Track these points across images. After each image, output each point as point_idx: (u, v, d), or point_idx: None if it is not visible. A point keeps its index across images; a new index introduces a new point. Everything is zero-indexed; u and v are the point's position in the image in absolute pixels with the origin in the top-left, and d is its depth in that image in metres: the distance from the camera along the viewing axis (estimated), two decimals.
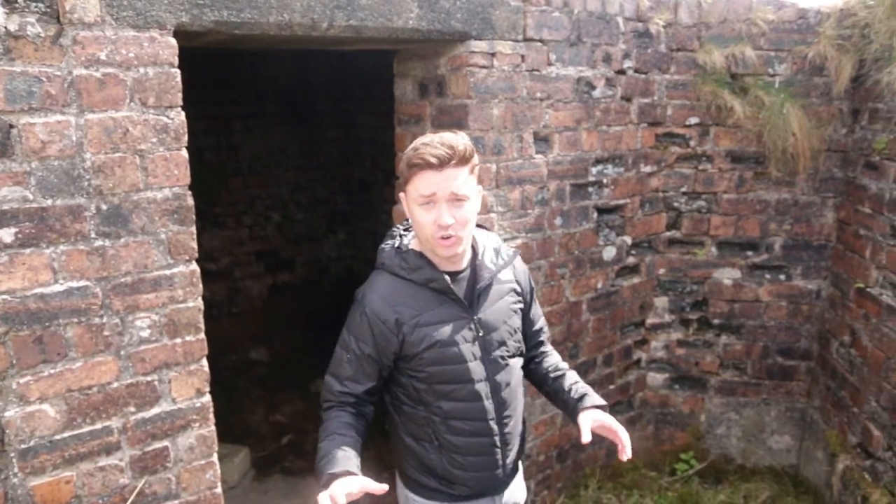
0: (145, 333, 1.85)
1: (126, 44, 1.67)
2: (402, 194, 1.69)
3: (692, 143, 3.24)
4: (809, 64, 3.00)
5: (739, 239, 3.28)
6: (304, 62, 5.05)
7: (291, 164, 5.23)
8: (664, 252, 3.39)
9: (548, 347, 2.03)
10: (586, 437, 1.70)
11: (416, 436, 1.80)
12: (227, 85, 4.77)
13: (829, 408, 3.11)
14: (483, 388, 1.74)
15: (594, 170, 3.00)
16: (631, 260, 3.29)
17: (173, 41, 1.75)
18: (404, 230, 1.83)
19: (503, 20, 2.44)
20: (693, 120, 3.21)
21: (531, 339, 1.95)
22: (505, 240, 2.65)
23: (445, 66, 2.49)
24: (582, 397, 1.82)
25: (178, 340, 1.91)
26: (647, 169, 3.24)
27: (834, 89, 2.98)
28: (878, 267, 2.74)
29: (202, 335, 1.96)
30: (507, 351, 1.78)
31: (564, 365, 1.98)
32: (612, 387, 3.38)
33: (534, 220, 2.80)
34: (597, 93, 2.89)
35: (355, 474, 1.55)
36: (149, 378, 1.87)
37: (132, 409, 1.85)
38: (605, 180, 3.06)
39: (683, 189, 3.29)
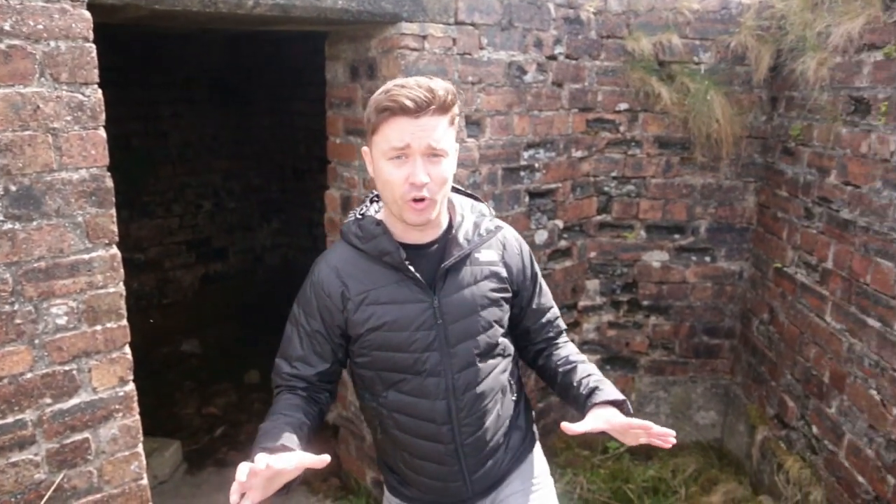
0: (62, 321, 1.76)
1: (34, 14, 1.58)
2: (364, 149, 1.47)
3: (622, 128, 3.32)
4: (732, 53, 3.11)
5: (667, 222, 3.39)
6: (236, 47, 4.91)
7: (223, 151, 5.09)
8: (595, 236, 3.47)
9: (560, 341, 1.70)
10: (575, 428, 1.38)
11: (371, 426, 1.65)
12: (154, 69, 4.59)
13: (750, 383, 3.27)
14: (436, 384, 1.48)
15: (526, 154, 3.04)
16: (563, 243, 3.35)
17: (87, 14, 1.67)
18: (373, 198, 1.61)
19: (434, 3, 2.44)
20: (623, 106, 3.29)
21: (537, 335, 1.67)
22: None
23: (376, 48, 2.47)
24: (592, 392, 1.50)
25: (99, 327, 1.83)
26: (579, 154, 3.31)
27: (754, 78, 3.11)
28: (794, 247, 2.88)
29: (124, 322, 1.88)
30: (477, 347, 1.49)
31: (578, 356, 1.65)
32: None
33: None
34: (528, 77, 2.92)
35: (291, 449, 1.29)
36: (66, 367, 1.79)
37: (48, 400, 1.77)
38: (536, 164, 3.10)
39: (613, 174, 3.37)
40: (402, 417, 1.52)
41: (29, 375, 1.73)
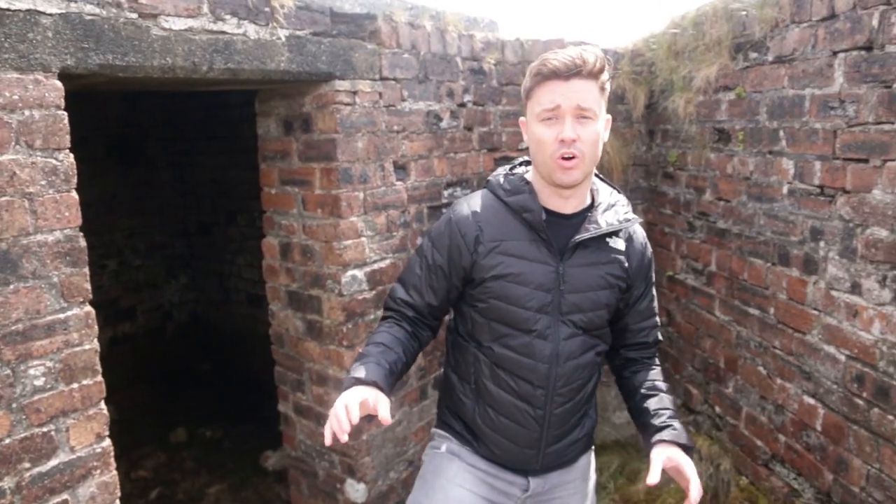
0: (40, 382, 1.79)
1: (9, 86, 1.66)
2: (522, 119, 1.60)
3: None
4: (613, 94, 3.59)
5: None
6: (133, 103, 4.89)
7: (125, 208, 4.99)
8: None
9: (650, 358, 1.74)
10: (653, 478, 1.40)
11: (459, 373, 1.68)
12: None
13: None
14: (543, 346, 1.54)
15: (446, 192, 3.32)
16: None
17: (59, 83, 1.76)
18: (522, 162, 1.71)
19: (362, 62, 2.68)
20: (524, 145, 3.67)
21: (629, 338, 1.71)
22: (374, 261, 2.87)
23: (311, 103, 2.67)
24: (664, 428, 1.54)
25: (75, 385, 1.87)
26: None
27: (634, 114, 3.60)
28: (682, 256, 3.35)
29: (99, 377, 1.93)
30: (585, 322, 1.56)
31: (663, 384, 1.69)
32: None
33: (398, 242, 3.03)
34: (444, 124, 3.22)
35: (381, 388, 1.41)
36: (45, 429, 1.81)
37: (27, 464, 1.78)
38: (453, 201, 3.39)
39: None
40: (501, 372, 1.58)
41: (7, 441, 1.74)
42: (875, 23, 2.06)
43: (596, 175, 1.66)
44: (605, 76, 1.48)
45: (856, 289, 2.16)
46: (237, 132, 4.59)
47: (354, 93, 2.68)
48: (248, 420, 4.30)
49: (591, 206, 1.59)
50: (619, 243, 1.61)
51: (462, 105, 3.34)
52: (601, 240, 1.58)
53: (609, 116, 1.55)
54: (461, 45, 3.26)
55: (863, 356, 2.14)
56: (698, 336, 3.22)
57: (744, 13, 2.68)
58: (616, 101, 3.62)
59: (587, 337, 1.60)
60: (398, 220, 3.01)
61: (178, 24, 1.99)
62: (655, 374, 1.71)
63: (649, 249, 1.71)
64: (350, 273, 2.74)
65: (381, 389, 1.43)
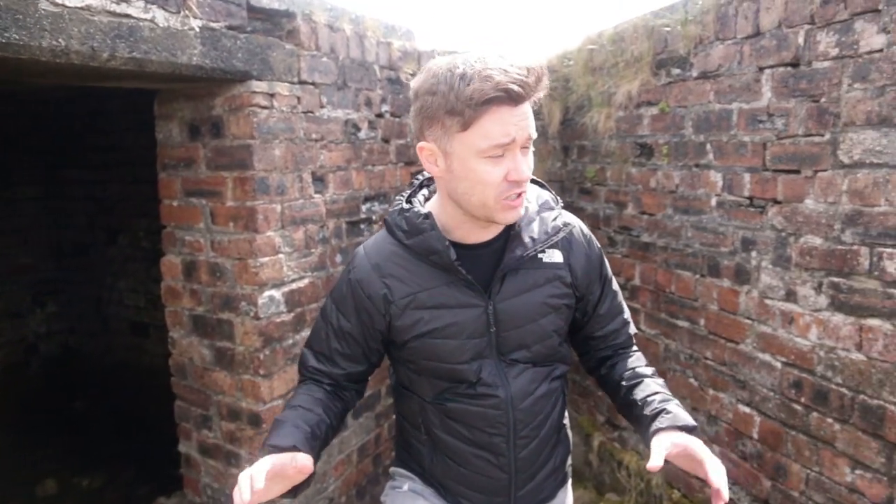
0: None
1: None
2: (426, 145, 1.22)
3: None
4: None
5: None
6: None
7: None
8: None
9: (625, 349, 1.51)
10: (654, 461, 1.15)
11: (409, 420, 1.47)
12: None
13: (578, 398, 3.66)
14: (492, 391, 1.33)
15: (364, 207, 3.13)
16: None
17: None
18: (422, 183, 1.43)
19: (280, 62, 2.45)
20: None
21: (602, 342, 1.49)
22: (293, 280, 2.62)
23: (222, 106, 2.40)
24: (657, 415, 1.28)
25: None
26: None
27: (549, 131, 3.59)
28: None
29: None
30: (531, 357, 1.35)
31: (646, 369, 1.45)
32: (394, 416, 3.48)
33: (317, 259, 2.80)
34: (362, 134, 3.04)
35: (300, 451, 1.19)
36: None
37: None
38: (373, 217, 3.20)
39: None
40: (452, 422, 1.38)
41: None
42: (801, 40, 2.13)
43: None
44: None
45: (791, 296, 2.21)
46: (120, 143, 4.14)
47: (272, 95, 2.44)
48: (135, 464, 3.82)
49: (512, 224, 1.30)
50: (555, 255, 1.35)
51: (380, 115, 3.17)
52: (532, 258, 1.31)
53: None
54: (379, 53, 3.10)
55: (800, 362, 2.18)
56: None
57: (666, 30, 2.73)
58: None
59: (539, 368, 1.38)
60: (317, 236, 2.78)
61: (74, 0, 1.68)
62: (635, 361, 1.47)
63: (595, 245, 1.44)
64: (267, 293, 2.47)
65: (301, 451, 1.21)
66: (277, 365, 2.53)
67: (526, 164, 1.20)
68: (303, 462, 1.16)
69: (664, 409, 1.29)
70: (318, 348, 1.43)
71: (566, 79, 3.48)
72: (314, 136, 2.70)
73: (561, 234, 1.33)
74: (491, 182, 1.18)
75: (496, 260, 1.31)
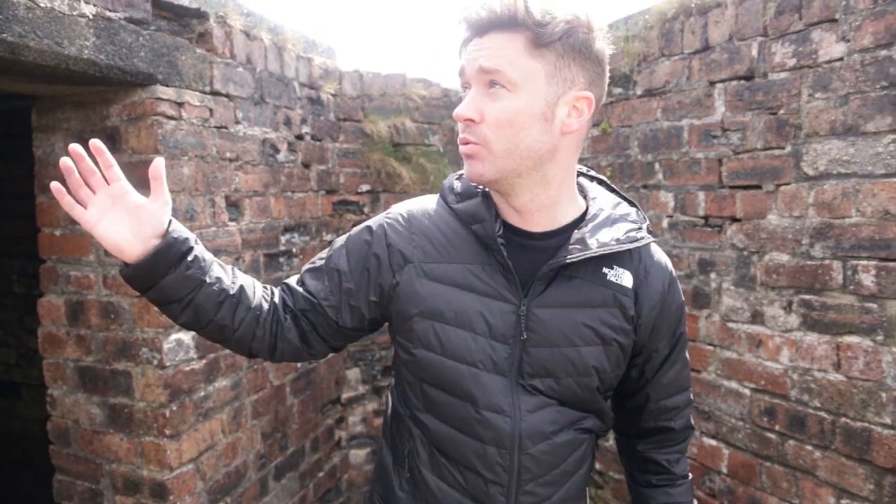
0: None
1: None
2: None
3: (366, 209, 3.31)
4: (457, 135, 3.38)
5: None
6: None
7: None
8: None
9: (677, 457, 1.24)
10: None
11: (395, 453, 1.19)
12: None
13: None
14: (496, 422, 1.04)
15: (283, 238, 2.80)
16: None
17: None
18: None
19: (190, 67, 2.13)
20: (364, 187, 3.29)
21: (647, 420, 1.22)
22: None
23: (120, 115, 2.03)
24: None
25: None
26: (329, 237, 3.17)
27: None
28: None
29: None
30: (557, 392, 1.07)
31: (685, 478, 1.25)
32: (321, 474, 3.09)
33: None
34: (281, 157, 2.73)
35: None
36: None
37: None
38: (294, 249, 2.87)
39: None
40: (441, 457, 1.10)
41: None
42: (754, 52, 2.07)
43: (588, 176, 1.19)
44: (549, 25, 0.95)
45: (757, 318, 2.09)
46: None
47: (181, 105, 2.10)
48: None
49: (581, 220, 1.09)
50: (623, 277, 1.08)
51: (300, 137, 2.87)
52: (594, 270, 1.07)
53: (586, 94, 1.00)
54: (299, 68, 2.83)
55: (771, 387, 2.05)
56: None
57: None
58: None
59: (563, 408, 1.09)
60: None
61: None
62: (681, 495, 1.23)
63: (677, 292, 1.16)
64: (174, 337, 2.08)
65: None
66: (187, 423, 2.12)
67: (469, 103, 0.99)
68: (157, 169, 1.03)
69: None
70: (305, 276, 1.19)
71: None
72: (228, 154, 2.36)
73: (636, 245, 1.07)
74: (457, 120, 1.04)
75: (548, 259, 1.05)
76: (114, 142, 2.05)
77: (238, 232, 2.46)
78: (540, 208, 1.07)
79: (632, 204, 1.16)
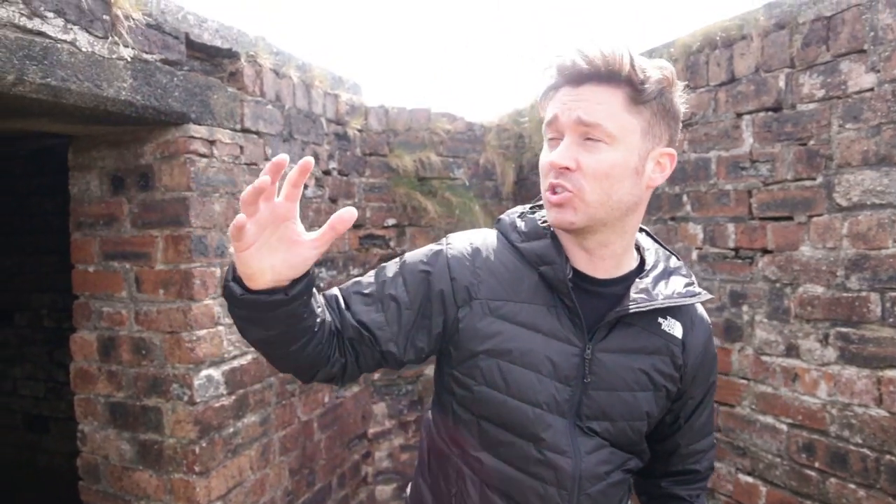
0: None
1: None
2: None
3: (392, 243, 3.32)
4: (482, 169, 3.41)
5: None
6: None
7: None
8: None
9: (699, 494, 1.28)
10: None
11: (435, 492, 1.17)
12: None
13: None
14: (559, 463, 1.06)
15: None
16: None
17: None
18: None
19: (222, 106, 2.17)
20: (391, 221, 3.31)
21: (676, 463, 1.26)
22: (234, 356, 2.25)
23: (153, 153, 2.08)
24: None
25: None
26: (356, 272, 3.18)
27: (503, 191, 3.43)
28: None
29: None
30: (613, 435, 1.10)
31: None
32: None
33: None
34: (309, 192, 2.76)
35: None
36: None
37: None
38: (321, 284, 2.89)
39: None
40: (495, 496, 1.08)
41: None
42: (782, 84, 2.07)
43: (644, 231, 1.22)
44: (648, 84, 0.99)
45: (792, 351, 2.05)
46: (22, 208, 3.66)
47: (212, 142, 2.14)
48: None
49: (640, 271, 1.13)
50: (675, 328, 1.13)
51: (327, 173, 2.91)
52: (651, 319, 1.11)
53: (669, 151, 1.07)
54: (327, 105, 2.88)
55: (809, 422, 2.00)
56: None
57: None
58: (484, 177, 3.44)
59: (617, 450, 1.12)
60: None
61: None
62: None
63: (713, 343, 1.24)
64: (204, 373, 2.09)
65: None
66: (216, 459, 2.12)
67: (565, 151, 1.00)
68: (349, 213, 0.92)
69: None
70: (351, 300, 1.09)
71: (520, 137, 3.36)
72: None
73: (692, 301, 1.12)
74: (542, 168, 1.05)
75: (610, 305, 1.08)
76: (147, 180, 2.10)
77: None
78: (612, 256, 1.10)
79: (677, 257, 1.21)
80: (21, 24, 1.47)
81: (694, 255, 2.40)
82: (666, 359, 1.12)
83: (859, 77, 1.84)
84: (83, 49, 1.62)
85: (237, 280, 0.93)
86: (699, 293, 1.13)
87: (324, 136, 2.86)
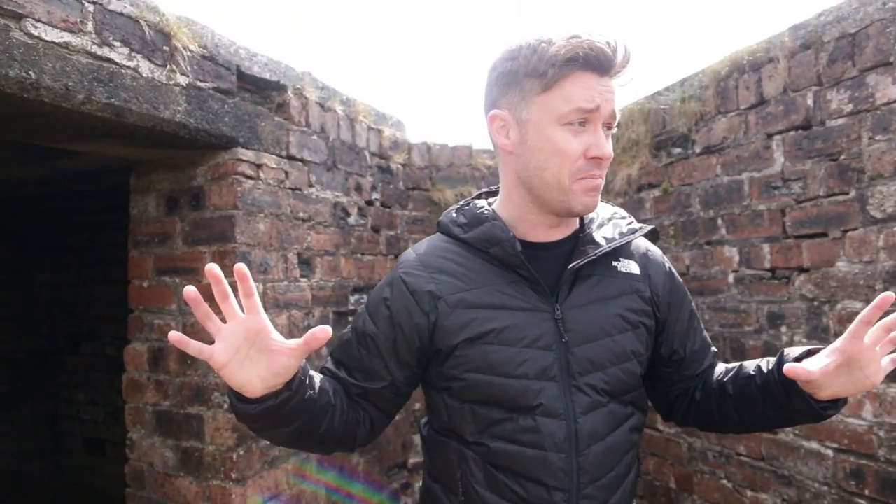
0: None
1: None
2: (499, 113, 1.11)
3: None
4: None
5: None
6: None
7: None
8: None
9: (711, 367, 1.28)
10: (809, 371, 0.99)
11: (442, 481, 1.18)
12: None
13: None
14: (552, 427, 1.08)
15: (353, 298, 2.91)
16: None
17: None
18: (479, 195, 1.27)
19: (268, 133, 2.34)
20: None
21: (694, 382, 1.25)
22: None
23: (205, 175, 2.24)
24: (780, 357, 1.11)
25: None
26: None
27: None
28: None
29: None
30: (607, 383, 1.11)
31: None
32: None
33: None
34: (351, 220, 2.89)
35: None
36: None
37: None
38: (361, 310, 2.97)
39: None
40: (498, 473, 1.10)
41: None
42: (810, 102, 2.07)
43: None
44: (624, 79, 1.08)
45: None
46: (94, 242, 3.94)
47: (259, 166, 2.29)
48: None
49: (582, 227, 1.18)
50: (631, 266, 1.18)
51: (370, 203, 3.04)
52: (605, 265, 1.15)
53: None
54: (370, 139, 3.03)
55: (856, 446, 1.91)
56: None
57: (663, 109, 2.69)
58: None
59: (616, 405, 1.12)
60: (301, 324, 2.53)
61: (52, 34, 1.56)
62: (721, 367, 1.26)
63: (676, 272, 1.27)
64: None
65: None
66: (253, 468, 2.18)
67: (607, 143, 1.06)
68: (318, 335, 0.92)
69: (780, 353, 1.12)
70: (337, 355, 1.19)
71: None
72: (301, 214, 2.53)
73: (637, 235, 1.18)
74: (569, 154, 1.05)
75: (564, 264, 1.12)
76: (199, 200, 2.26)
77: (309, 288, 2.59)
78: (568, 223, 1.17)
79: (612, 204, 1.28)
80: (92, 50, 1.66)
81: (731, 278, 2.38)
82: (633, 297, 1.15)
83: (886, 89, 1.84)
84: (144, 75, 1.81)
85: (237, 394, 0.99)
86: (641, 227, 1.19)
87: (367, 167, 3.00)
